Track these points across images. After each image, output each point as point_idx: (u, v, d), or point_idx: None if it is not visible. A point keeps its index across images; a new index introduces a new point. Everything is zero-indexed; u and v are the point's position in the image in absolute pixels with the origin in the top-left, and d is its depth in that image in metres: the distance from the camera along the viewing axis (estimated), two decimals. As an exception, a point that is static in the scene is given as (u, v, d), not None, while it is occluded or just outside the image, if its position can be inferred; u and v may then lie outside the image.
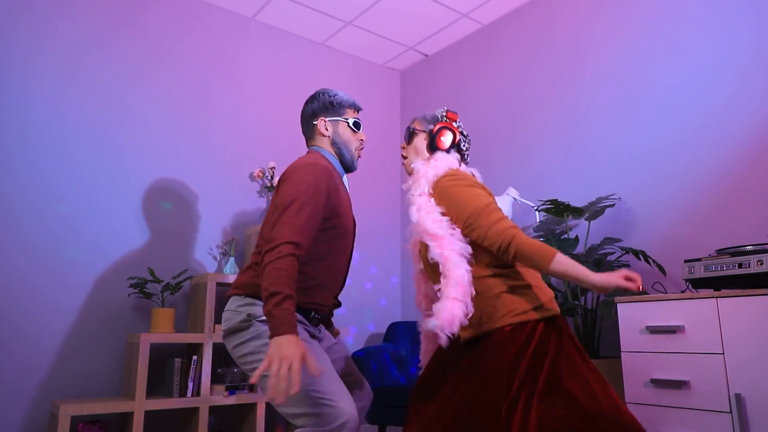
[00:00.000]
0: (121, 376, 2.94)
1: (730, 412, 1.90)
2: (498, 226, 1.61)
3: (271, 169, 3.50)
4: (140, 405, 2.64)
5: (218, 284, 3.02)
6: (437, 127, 1.82)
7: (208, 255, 3.34)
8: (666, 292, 2.59)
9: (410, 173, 1.85)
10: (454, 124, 1.86)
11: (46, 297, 2.82)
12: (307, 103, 1.94)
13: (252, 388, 2.98)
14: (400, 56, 4.31)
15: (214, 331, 2.89)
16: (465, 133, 1.92)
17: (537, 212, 3.15)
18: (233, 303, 1.75)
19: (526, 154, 3.46)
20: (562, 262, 1.52)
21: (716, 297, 2.00)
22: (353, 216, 1.93)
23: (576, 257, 2.69)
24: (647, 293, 2.67)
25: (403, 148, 1.92)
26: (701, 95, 2.68)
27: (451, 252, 1.62)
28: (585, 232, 3.00)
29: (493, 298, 1.62)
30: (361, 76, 4.31)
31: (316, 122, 1.91)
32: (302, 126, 1.96)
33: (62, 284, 2.87)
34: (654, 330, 2.14)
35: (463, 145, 1.89)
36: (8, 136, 2.84)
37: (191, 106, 3.44)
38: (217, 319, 3.27)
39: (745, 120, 2.51)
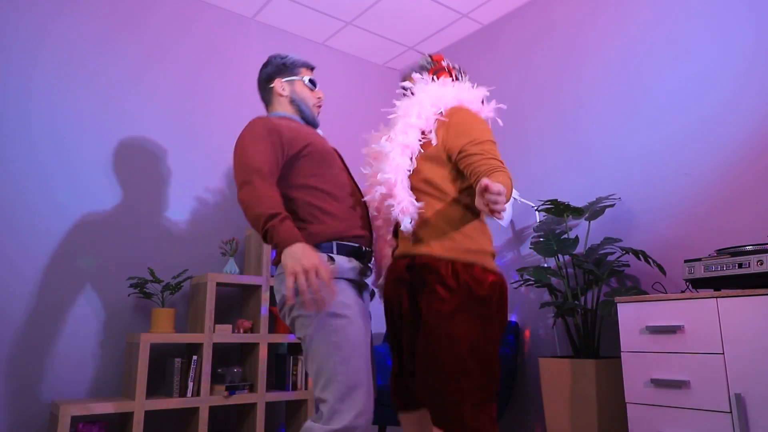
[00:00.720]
0: (121, 376, 2.95)
1: (730, 412, 1.90)
2: (492, 162, 1.60)
3: (271, 169, 3.50)
4: (140, 405, 2.64)
5: (218, 284, 3.02)
6: (432, 71, 1.81)
7: (208, 255, 3.34)
8: (666, 292, 2.59)
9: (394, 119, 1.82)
10: (442, 63, 1.85)
11: (46, 297, 2.82)
12: (261, 69, 1.99)
13: (252, 388, 2.98)
14: (400, 56, 4.31)
15: (214, 331, 2.89)
16: (458, 66, 1.90)
17: (537, 212, 3.15)
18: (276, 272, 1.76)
19: (526, 154, 3.46)
20: (500, 177, 1.54)
21: (716, 297, 2.00)
22: (342, 160, 1.92)
23: (576, 257, 2.69)
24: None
25: None
26: (701, 95, 2.68)
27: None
28: (585, 232, 3.00)
29: (460, 226, 1.65)
30: (361, 76, 4.31)
31: (272, 85, 1.95)
32: (260, 93, 2.00)
33: (62, 284, 2.87)
34: (654, 330, 2.14)
35: (462, 79, 1.88)
36: (8, 135, 2.84)
37: (191, 105, 3.44)
38: (218, 319, 3.27)
39: (746, 120, 2.51)
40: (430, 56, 1.89)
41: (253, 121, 1.78)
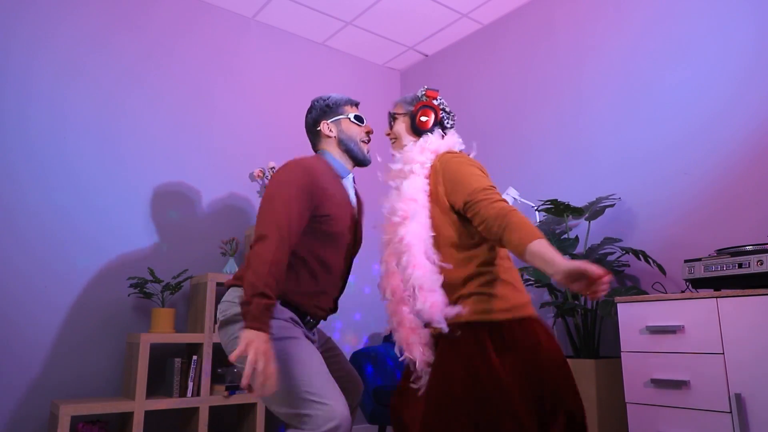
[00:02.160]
0: (121, 376, 2.94)
1: (730, 412, 1.90)
2: (498, 204, 1.56)
3: (271, 169, 3.50)
4: (140, 405, 2.64)
5: (218, 284, 3.02)
6: (417, 107, 1.82)
7: (208, 255, 3.34)
8: (666, 292, 2.59)
9: (399, 148, 1.84)
10: (434, 101, 1.86)
11: (46, 297, 2.82)
12: (306, 116, 1.98)
13: (251, 388, 2.98)
14: (400, 56, 4.31)
15: (214, 331, 2.89)
16: (448, 109, 1.91)
17: (537, 212, 3.15)
18: (231, 294, 1.78)
19: (526, 154, 3.46)
20: (544, 243, 1.45)
21: (716, 297, 2.00)
22: (354, 222, 1.92)
23: (576, 257, 2.69)
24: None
25: (389, 134, 1.92)
26: (701, 95, 2.68)
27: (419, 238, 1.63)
28: (585, 232, 3.01)
29: (485, 287, 1.60)
30: (361, 76, 4.31)
31: (319, 128, 1.94)
32: (309, 138, 1.99)
33: (62, 284, 2.87)
34: (654, 330, 2.14)
35: (447, 122, 1.88)
36: (8, 135, 2.84)
37: (191, 106, 3.44)
38: (217, 319, 3.27)
39: (746, 120, 2.51)
40: (427, 89, 1.89)
41: (291, 163, 1.77)
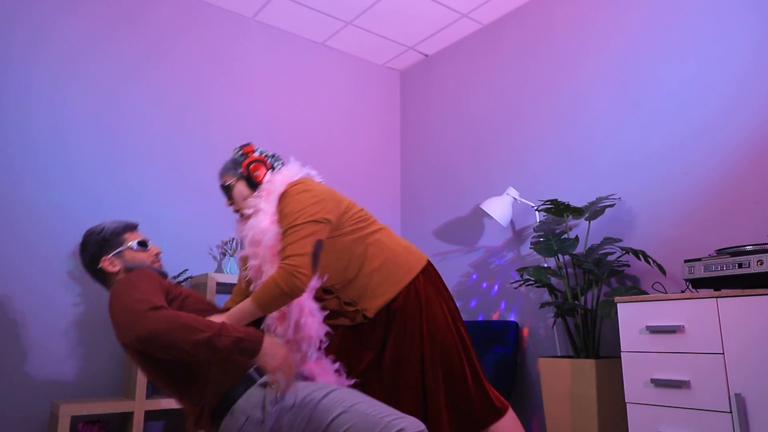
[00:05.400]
0: (121, 376, 2.94)
1: (730, 412, 1.90)
2: (289, 249, 1.68)
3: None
4: (140, 405, 2.64)
5: (218, 284, 3.02)
6: (245, 166, 1.87)
7: (208, 255, 3.34)
8: (666, 292, 2.59)
9: (247, 213, 1.88)
10: (254, 154, 1.90)
11: (46, 296, 2.82)
12: (81, 254, 1.80)
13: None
14: (400, 56, 4.31)
15: (214, 331, 2.89)
16: (270, 153, 1.96)
17: (537, 212, 3.15)
18: None
19: (526, 154, 3.46)
20: (252, 313, 1.66)
21: (716, 297, 2.00)
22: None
23: (576, 257, 2.69)
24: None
25: (231, 204, 1.94)
26: (701, 95, 2.68)
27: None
28: (585, 232, 3.01)
29: (371, 275, 1.85)
30: (361, 76, 4.31)
31: (99, 266, 1.77)
32: (94, 278, 1.81)
33: (62, 284, 2.87)
34: (654, 330, 2.14)
35: (276, 164, 1.94)
36: (8, 135, 2.84)
37: (191, 105, 3.44)
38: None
39: (746, 120, 2.51)
40: (241, 148, 1.92)
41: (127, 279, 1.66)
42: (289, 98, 3.87)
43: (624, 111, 2.98)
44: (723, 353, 1.96)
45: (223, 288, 3.27)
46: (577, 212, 2.81)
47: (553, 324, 2.98)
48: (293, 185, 1.81)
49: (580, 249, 3.02)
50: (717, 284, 2.09)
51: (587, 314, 2.66)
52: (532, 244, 2.88)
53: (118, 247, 1.78)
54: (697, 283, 2.14)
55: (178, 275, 3.01)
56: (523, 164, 3.46)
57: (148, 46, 3.34)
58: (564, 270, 3.01)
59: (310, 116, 3.95)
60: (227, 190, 1.92)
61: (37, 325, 2.78)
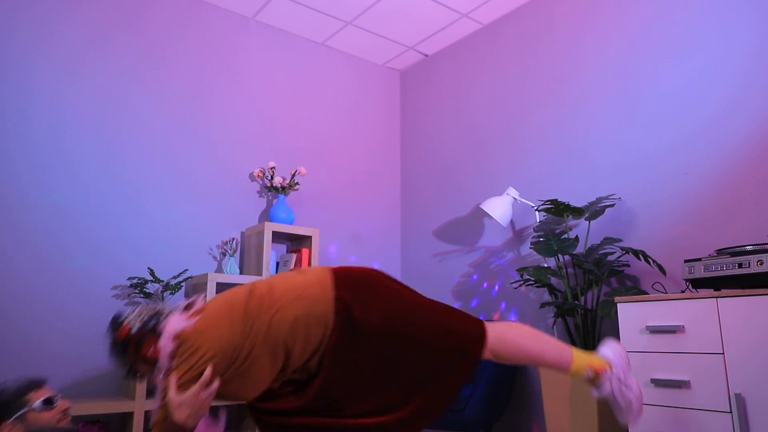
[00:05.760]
0: (121, 376, 2.94)
1: (730, 412, 1.90)
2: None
3: (271, 169, 3.50)
4: (140, 405, 2.64)
5: (218, 284, 3.02)
6: (134, 352, 1.67)
7: (208, 255, 3.34)
8: (666, 292, 2.59)
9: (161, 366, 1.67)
10: (132, 332, 1.72)
11: (46, 297, 2.82)
12: None
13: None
14: (400, 56, 4.31)
15: (214, 331, 2.89)
16: (145, 317, 1.76)
17: (537, 212, 3.15)
18: None
19: (526, 154, 3.46)
20: None
21: (716, 297, 2.00)
22: None
23: (576, 257, 2.69)
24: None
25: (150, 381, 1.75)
26: (701, 95, 2.68)
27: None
28: (585, 232, 3.01)
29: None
30: (361, 76, 4.31)
31: None
32: None
33: (62, 284, 2.87)
34: (654, 330, 2.14)
35: (152, 322, 1.74)
36: (8, 135, 2.84)
37: (191, 105, 3.44)
38: None
39: (746, 120, 2.51)
40: (115, 335, 1.73)
41: None
42: (289, 98, 3.87)
43: (624, 111, 2.98)
44: (723, 353, 1.96)
45: (223, 288, 3.27)
46: (577, 212, 2.81)
47: (553, 324, 2.98)
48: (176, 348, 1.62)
49: (580, 249, 3.02)
50: (717, 284, 2.09)
51: (587, 314, 2.66)
52: (532, 244, 2.88)
53: (18, 410, 1.64)
54: (697, 283, 2.14)
55: (178, 275, 3.01)
56: (523, 164, 3.46)
57: (148, 46, 3.34)
58: (564, 270, 3.01)
59: (310, 116, 3.95)
60: (135, 373, 1.71)
61: (38, 324, 2.78)
